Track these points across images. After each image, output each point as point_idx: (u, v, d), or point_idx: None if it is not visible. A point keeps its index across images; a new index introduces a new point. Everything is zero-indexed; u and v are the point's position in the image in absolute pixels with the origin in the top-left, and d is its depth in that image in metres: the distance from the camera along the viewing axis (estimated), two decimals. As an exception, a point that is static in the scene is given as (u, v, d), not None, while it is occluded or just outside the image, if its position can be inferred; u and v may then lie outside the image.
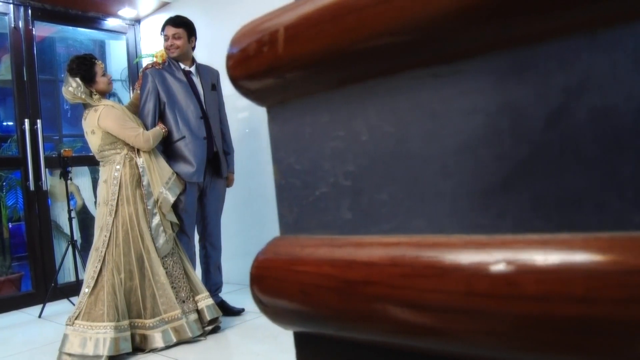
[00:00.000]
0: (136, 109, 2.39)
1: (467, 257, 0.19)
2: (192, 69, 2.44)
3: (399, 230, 0.23)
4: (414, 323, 0.20)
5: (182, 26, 2.37)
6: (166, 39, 2.36)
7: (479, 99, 0.20)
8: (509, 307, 0.18)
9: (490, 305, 0.18)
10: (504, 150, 0.19)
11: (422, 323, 0.20)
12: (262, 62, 0.25)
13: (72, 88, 2.15)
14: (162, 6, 3.73)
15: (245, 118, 3.24)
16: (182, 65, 2.40)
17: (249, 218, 3.18)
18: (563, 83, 0.18)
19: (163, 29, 2.39)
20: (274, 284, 0.25)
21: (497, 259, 0.18)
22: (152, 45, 3.66)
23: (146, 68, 2.37)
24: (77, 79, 2.15)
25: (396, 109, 0.22)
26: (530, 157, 0.19)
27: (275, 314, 0.26)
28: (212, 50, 3.00)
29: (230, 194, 2.64)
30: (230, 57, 0.27)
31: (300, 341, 0.27)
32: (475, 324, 0.18)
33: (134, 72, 3.86)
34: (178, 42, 2.35)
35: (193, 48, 2.46)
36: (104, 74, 2.22)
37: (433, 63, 0.21)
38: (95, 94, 2.18)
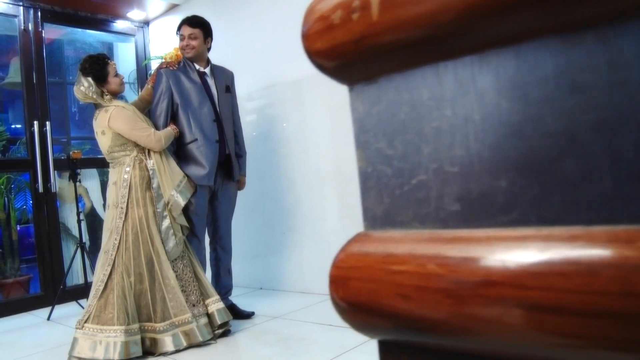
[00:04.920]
0: (146, 105, 2.38)
1: (617, 252, 0.16)
2: (207, 70, 2.42)
3: (521, 222, 0.20)
4: (552, 330, 0.17)
5: (199, 26, 2.35)
6: (182, 38, 2.34)
7: (633, 69, 0.17)
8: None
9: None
10: (665, 127, 0.16)
11: (563, 329, 0.17)
12: (350, 32, 0.22)
13: (83, 87, 2.14)
14: (171, 8, 3.72)
15: (253, 121, 3.22)
16: (197, 66, 2.38)
17: (259, 221, 3.16)
18: None
19: (179, 29, 2.37)
20: (363, 286, 0.22)
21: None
22: (161, 47, 3.65)
23: (161, 67, 2.35)
24: (89, 79, 2.13)
25: (520, 82, 0.19)
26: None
27: (362, 321, 0.23)
28: (221, 52, 2.98)
29: (240, 196, 2.62)
30: (308, 28, 0.24)
31: (387, 351, 0.24)
32: (636, 329, 0.15)
33: (143, 75, 3.86)
34: (194, 43, 2.33)
35: (208, 49, 2.44)
36: (117, 75, 2.20)
37: (571, 28, 0.18)
38: (106, 94, 2.17)
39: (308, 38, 0.24)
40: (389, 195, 0.23)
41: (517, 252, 0.19)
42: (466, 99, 0.21)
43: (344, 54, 0.23)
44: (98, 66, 2.14)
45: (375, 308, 0.22)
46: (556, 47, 0.19)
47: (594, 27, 0.17)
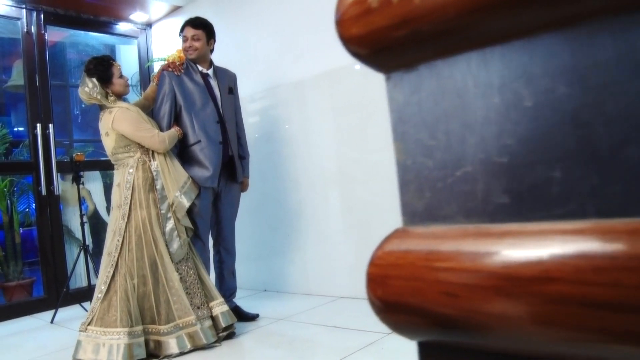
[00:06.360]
0: (151, 103, 2.37)
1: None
2: (210, 71, 2.41)
3: (578, 215, 0.18)
4: (618, 328, 0.16)
5: (202, 28, 2.34)
6: (185, 40, 2.34)
7: None
8: None
9: None
10: None
11: (630, 328, 0.16)
12: (389, 17, 0.21)
13: (88, 88, 2.14)
14: (174, 10, 3.72)
15: (256, 122, 3.21)
16: (200, 68, 2.38)
17: (263, 222, 3.15)
18: None
19: (182, 30, 2.36)
20: (405, 284, 0.21)
21: None
22: (164, 49, 3.65)
23: (165, 68, 2.34)
24: (94, 80, 2.13)
25: (577, 66, 0.18)
26: None
27: (402, 321, 0.22)
28: (224, 53, 2.98)
29: (243, 198, 2.61)
30: (342, 14, 0.23)
31: (428, 353, 0.22)
32: None
33: (145, 77, 3.85)
34: (196, 44, 2.32)
35: (211, 51, 2.43)
36: (121, 76, 2.20)
37: (635, 7, 0.17)
38: (111, 96, 2.16)
39: (342, 24, 0.23)
40: (431, 189, 0.22)
41: (576, 246, 0.17)
42: (516, 85, 0.20)
43: (382, 40, 0.22)
44: (103, 67, 2.14)
45: (418, 307, 0.21)
46: (617, 28, 0.17)
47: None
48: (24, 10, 3.28)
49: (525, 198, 0.20)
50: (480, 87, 0.21)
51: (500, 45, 0.20)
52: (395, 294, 0.21)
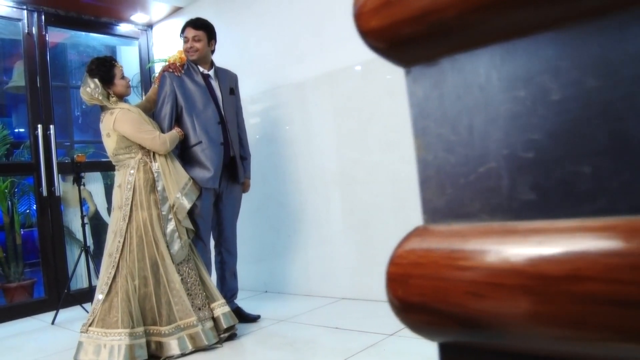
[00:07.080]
0: (153, 105, 2.37)
1: None
2: (211, 72, 2.41)
3: (609, 211, 0.18)
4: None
5: (203, 29, 2.34)
6: (186, 40, 2.33)
7: None
8: None
9: None
10: None
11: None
12: (410, 8, 0.20)
13: (89, 89, 2.13)
14: (175, 11, 3.72)
15: (257, 123, 3.21)
16: (201, 69, 2.37)
17: (264, 223, 3.14)
18: None
19: (183, 31, 2.36)
20: (427, 284, 0.21)
21: None
22: (165, 50, 3.65)
23: (166, 69, 2.33)
24: (96, 80, 2.13)
25: (608, 59, 0.18)
26: None
27: (424, 322, 0.21)
28: (225, 54, 2.98)
29: (245, 199, 2.60)
30: (361, 6, 0.22)
31: (449, 355, 0.22)
32: None
33: (146, 78, 3.85)
34: (198, 45, 2.32)
35: (212, 51, 2.43)
36: (123, 77, 2.20)
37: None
38: (112, 97, 2.16)
39: (361, 17, 0.22)
40: (453, 186, 0.22)
41: (608, 243, 0.17)
42: (543, 78, 0.19)
43: (402, 32, 0.21)
44: (105, 68, 2.14)
45: (441, 308, 0.20)
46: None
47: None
48: (25, 12, 3.28)
49: (553, 194, 0.19)
50: (505, 80, 0.20)
51: (526, 38, 0.19)
52: (416, 294, 0.21)
